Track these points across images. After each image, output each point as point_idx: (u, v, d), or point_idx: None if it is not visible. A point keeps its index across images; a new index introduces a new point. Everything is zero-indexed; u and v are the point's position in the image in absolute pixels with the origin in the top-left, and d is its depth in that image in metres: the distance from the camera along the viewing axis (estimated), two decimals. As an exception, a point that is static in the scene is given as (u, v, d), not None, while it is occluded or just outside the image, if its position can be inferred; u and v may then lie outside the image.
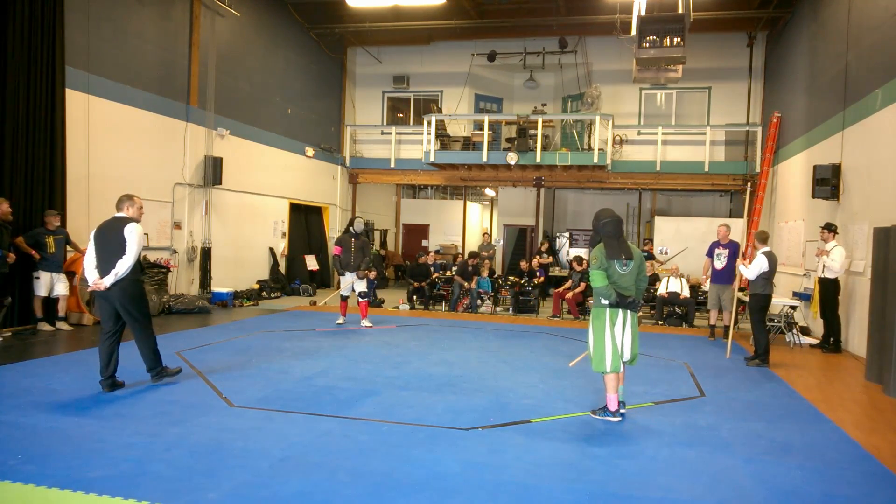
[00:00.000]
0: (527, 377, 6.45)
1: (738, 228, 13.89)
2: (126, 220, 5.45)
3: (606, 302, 4.94)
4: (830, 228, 8.49)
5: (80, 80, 9.11)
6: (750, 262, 7.75)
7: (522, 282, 12.37)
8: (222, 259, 12.34)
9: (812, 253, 10.25)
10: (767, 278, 7.50)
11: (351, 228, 9.62)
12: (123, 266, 5.31)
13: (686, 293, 11.06)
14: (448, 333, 9.23)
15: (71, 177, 8.88)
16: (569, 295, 11.66)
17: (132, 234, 5.37)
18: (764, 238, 7.86)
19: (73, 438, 4.15)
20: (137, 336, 5.53)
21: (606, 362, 4.94)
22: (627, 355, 5.04)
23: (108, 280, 5.28)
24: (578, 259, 12.17)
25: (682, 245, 13.52)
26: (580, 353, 6.86)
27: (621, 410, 5.08)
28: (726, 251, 9.21)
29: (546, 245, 15.11)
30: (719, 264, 9.27)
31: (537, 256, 13.98)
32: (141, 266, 5.61)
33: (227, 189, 12.33)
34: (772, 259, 7.47)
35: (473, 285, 12.31)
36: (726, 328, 8.86)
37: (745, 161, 14.41)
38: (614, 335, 4.95)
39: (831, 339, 8.55)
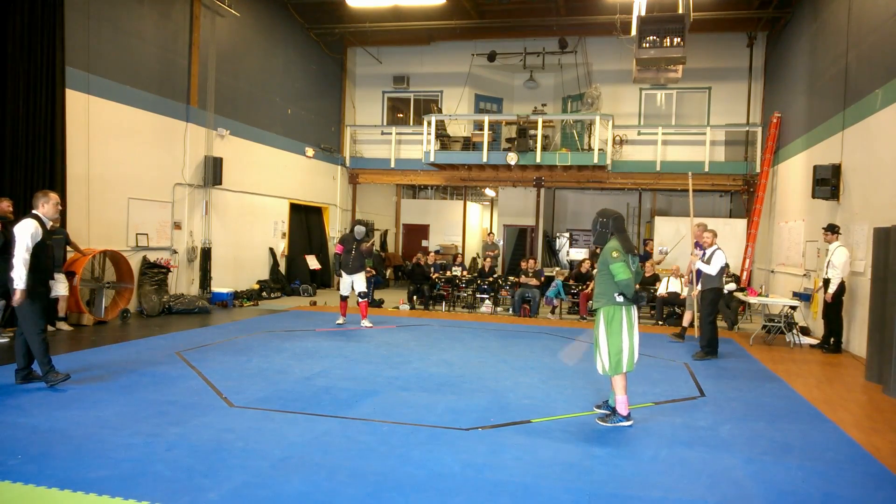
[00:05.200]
0: (527, 377, 6.45)
1: (738, 228, 13.94)
2: (24, 217, 5.33)
3: (621, 298, 4.80)
4: (833, 230, 8.46)
5: (80, 80, 9.11)
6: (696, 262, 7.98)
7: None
8: (222, 259, 12.33)
9: (812, 253, 10.26)
10: (724, 273, 8.00)
11: (355, 233, 9.58)
12: (15, 266, 5.14)
13: (686, 293, 11.06)
14: (448, 333, 9.23)
15: (71, 177, 8.88)
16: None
17: (17, 231, 5.19)
18: (715, 235, 8.10)
19: (73, 438, 4.15)
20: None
21: (624, 362, 4.82)
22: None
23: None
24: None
25: (682, 245, 13.51)
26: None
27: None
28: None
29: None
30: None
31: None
32: (40, 267, 5.27)
33: (227, 189, 12.33)
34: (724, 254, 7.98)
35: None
36: (684, 329, 9.18)
37: (745, 161, 14.42)
38: (632, 333, 4.85)
39: (831, 339, 8.54)
